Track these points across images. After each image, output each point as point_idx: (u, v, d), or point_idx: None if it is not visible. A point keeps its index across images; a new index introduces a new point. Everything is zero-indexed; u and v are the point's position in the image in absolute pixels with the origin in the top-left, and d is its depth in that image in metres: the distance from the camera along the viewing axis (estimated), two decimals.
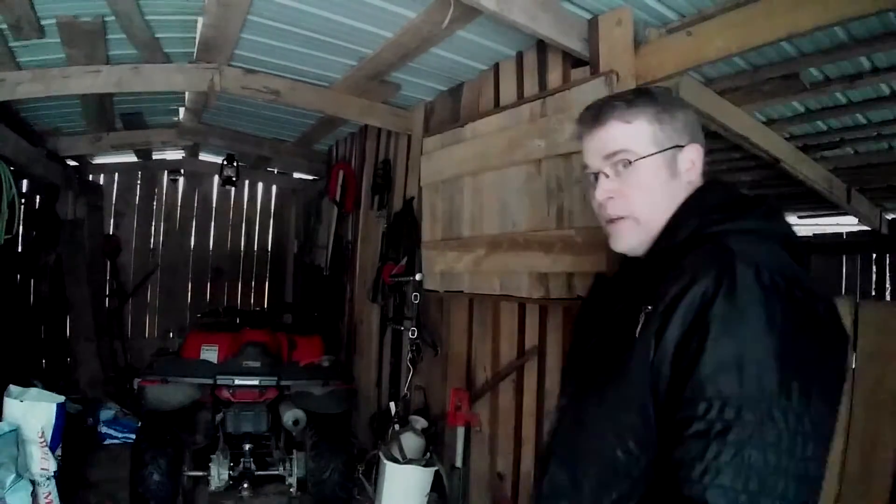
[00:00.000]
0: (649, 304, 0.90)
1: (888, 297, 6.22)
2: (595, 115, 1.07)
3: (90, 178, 5.86)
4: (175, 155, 6.39)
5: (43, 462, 2.72)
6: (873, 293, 6.31)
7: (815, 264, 6.88)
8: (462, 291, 3.12)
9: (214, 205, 6.85)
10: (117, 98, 3.98)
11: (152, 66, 3.17)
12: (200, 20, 2.65)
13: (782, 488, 0.77)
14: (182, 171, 6.52)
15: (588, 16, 2.41)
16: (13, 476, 2.48)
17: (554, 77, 2.67)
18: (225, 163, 5.77)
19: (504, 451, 2.86)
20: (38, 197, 5.11)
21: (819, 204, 5.29)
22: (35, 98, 3.29)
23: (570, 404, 1.05)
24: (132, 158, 6.09)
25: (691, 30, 2.18)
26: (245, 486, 3.27)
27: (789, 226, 1.00)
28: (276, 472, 3.44)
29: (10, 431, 2.56)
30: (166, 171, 6.54)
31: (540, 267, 2.53)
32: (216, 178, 6.52)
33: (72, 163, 5.25)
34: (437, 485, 3.10)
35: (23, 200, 3.87)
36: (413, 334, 3.42)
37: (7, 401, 2.78)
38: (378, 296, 4.01)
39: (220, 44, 2.87)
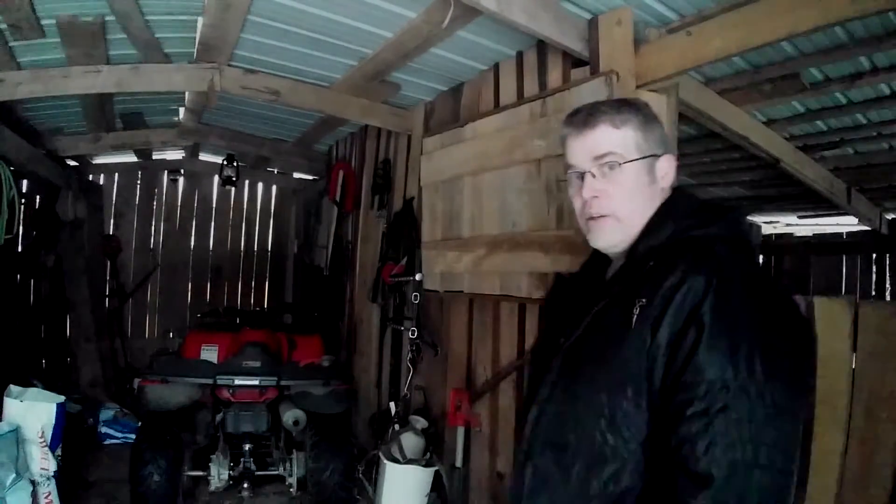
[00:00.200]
0: (643, 298, 1.00)
1: (888, 297, 6.21)
2: (586, 118, 1.16)
3: (90, 178, 5.86)
4: (175, 155, 6.38)
5: (43, 462, 2.72)
6: (873, 293, 6.31)
7: (815, 264, 6.89)
8: (462, 291, 3.12)
9: (214, 205, 6.85)
10: (117, 98, 3.98)
11: (152, 66, 3.17)
12: (200, 20, 2.65)
13: (772, 458, 0.89)
14: (182, 171, 6.52)
15: (588, 16, 2.41)
16: (13, 476, 2.48)
17: (554, 77, 2.67)
18: (225, 163, 5.77)
19: (504, 451, 2.86)
20: (38, 197, 5.11)
21: (819, 204, 5.30)
22: (35, 98, 3.29)
23: (552, 396, 1.11)
24: (132, 158, 6.09)
25: (691, 30, 2.18)
26: (245, 486, 3.27)
27: (749, 230, 1.16)
28: (276, 472, 3.44)
29: (10, 431, 2.56)
30: (166, 171, 6.54)
31: (540, 267, 2.53)
32: (216, 178, 6.52)
33: (72, 163, 5.25)
34: (437, 485, 3.10)
35: (23, 200, 3.87)
36: (413, 334, 3.42)
37: (7, 401, 2.78)
38: (378, 296, 4.01)
39: (220, 44, 2.87)
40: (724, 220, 1.08)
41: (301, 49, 3.02)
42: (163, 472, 2.96)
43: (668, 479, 0.93)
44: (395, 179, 4.06)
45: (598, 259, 1.26)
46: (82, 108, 4.05)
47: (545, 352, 1.21)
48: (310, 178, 6.63)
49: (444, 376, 3.36)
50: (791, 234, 7.31)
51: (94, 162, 5.86)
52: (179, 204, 6.68)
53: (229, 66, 3.22)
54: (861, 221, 5.74)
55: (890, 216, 5.92)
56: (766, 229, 7.40)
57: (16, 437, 2.59)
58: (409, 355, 3.51)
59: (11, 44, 2.80)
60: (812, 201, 5.28)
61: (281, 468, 3.43)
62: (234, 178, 5.87)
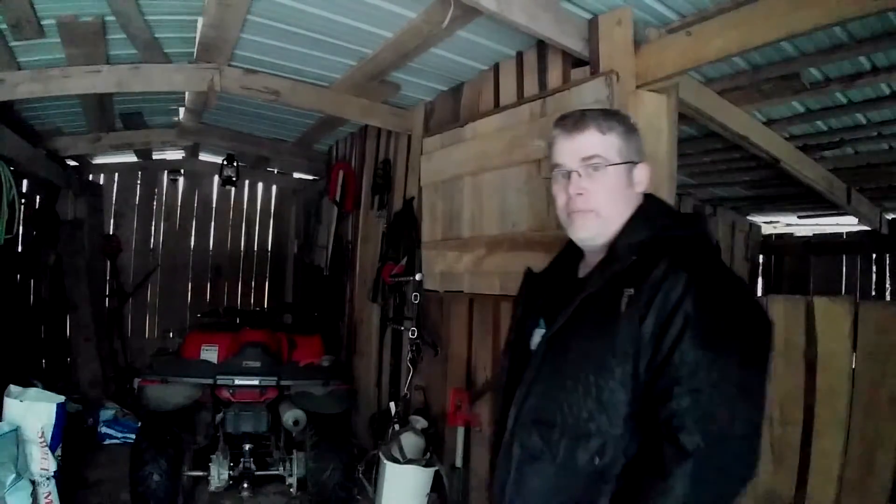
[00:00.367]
0: (630, 288, 1.12)
1: (888, 297, 6.21)
2: (576, 122, 1.27)
3: (90, 178, 5.86)
4: (175, 155, 6.38)
5: (43, 462, 2.72)
6: (873, 293, 6.31)
7: (815, 264, 6.89)
8: (462, 291, 3.12)
9: (214, 205, 6.85)
10: (117, 98, 3.98)
11: (152, 66, 3.17)
12: (200, 20, 2.65)
13: (746, 429, 1.05)
14: (182, 171, 6.52)
15: (588, 16, 2.41)
16: (13, 476, 2.48)
17: (554, 77, 2.67)
18: (225, 163, 5.77)
19: None
20: (38, 197, 5.10)
21: (819, 204, 5.30)
22: (35, 98, 3.30)
23: (538, 377, 1.21)
24: (132, 158, 6.09)
25: (691, 30, 2.18)
26: (245, 486, 3.27)
27: (712, 232, 1.35)
28: (276, 472, 3.44)
29: (10, 431, 2.56)
30: (166, 171, 6.54)
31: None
32: (216, 178, 6.52)
33: (72, 163, 5.25)
34: (437, 485, 3.10)
35: (23, 200, 3.87)
36: (413, 334, 3.42)
37: (7, 401, 2.78)
38: (378, 296, 4.01)
39: (220, 44, 2.87)
40: (695, 223, 1.29)
41: (301, 49, 3.02)
42: (163, 472, 2.96)
43: (653, 451, 1.05)
44: (395, 179, 4.06)
45: (567, 257, 1.41)
46: (82, 108, 4.05)
47: (520, 342, 1.34)
48: (310, 178, 6.63)
49: (444, 376, 3.36)
50: (791, 234, 7.30)
51: (94, 162, 5.86)
52: (179, 204, 6.68)
53: (229, 66, 3.22)
54: (861, 221, 5.74)
55: (890, 216, 5.92)
56: (766, 229, 7.40)
57: (16, 437, 2.59)
58: (409, 355, 3.51)
59: (11, 44, 2.80)
60: (812, 201, 5.28)
61: (281, 468, 3.43)
62: (234, 178, 5.88)
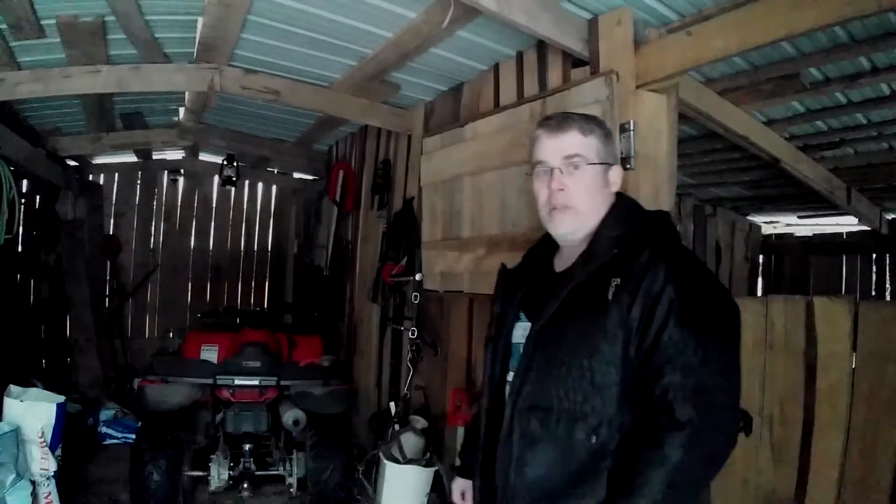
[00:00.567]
0: (617, 278, 1.22)
1: (888, 297, 6.21)
2: (559, 122, 1.37)
3: (90, 178, 5.86)
4: (175, 155, 6.38)
5: (43, 462, 2.72)
6: (873, 293, 6.31)
7: (814, 264, 6.89)
8: (462, 291, 3.12)
9: (214, 205, 6.84)
10: (117, 98, 3.98)
11: (152, 66, 3.17)
12: (200, 20, 2.65)
13: (730, 400, 1.18)
14: (182, 171, 6.52)
15: (588, 16, 2.41)
16: (13, 476, 2.48)
17: (554, 77, 2.67)
18: (225, 163, 5.77)
19: None
20: (38, 197, 5.11)
21: (819, 204, 5.30)
22: (35, 98, 3.30)
23: (531, 366, 1.29)
24: (132, 158, 6.09)
25: (691, 30, 2.18)
26: (245, 486, 3.27)
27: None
28: (276, 472, 3.44)
29: (10, 431, 2.56)
30: (166, 171, 6.53)
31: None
32: (216, 178, 6.51)
33: (72, 163, 5.25)
34: (437, 485, 3.10)
35: (23, 200, 3.87)
36: (413, 334, 3.42)
37: (7, 401, 2.78)
38: (378, 296, 4.01)
39: (220, 44, 2.87)
40: (664, 218, 1.40)
41: (301, 49, 3.02)
42: (163, 472, 2.96)
43: (646, 425, 1.15)
44: (395, 179, 4.06)
45: (540, 253, 1.51)
46: (82, 108, 4.05)
47: (501, 336, 1.44)
48: (310, 178, 6.62)
49: (444, 376, 3.36)
50: (791, 234, 7.31)
51: (94, 162, 5.86)
52: (179, 204, 6.67)
53: (229, 66, 3.21)
54: (861, 221, 5.74)
55: (890, 216, 5.92)
56: (766, 229, 7.40)
57: (16, 437, 2.59)
58: (409, 355, 3.51)
59: (11, 44, 2.80)
60: (812, 201, 5.28)
61: (281, 468, 3.42)
62: (234, 178, 5.88)
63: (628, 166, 2.20)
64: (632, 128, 2.20)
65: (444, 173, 3.23)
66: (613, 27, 2.32)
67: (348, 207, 4.76)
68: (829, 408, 1.94)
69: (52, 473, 2.76)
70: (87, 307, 5.21)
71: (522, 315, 1.42)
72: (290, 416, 3.20)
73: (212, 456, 3.24)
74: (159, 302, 6.56)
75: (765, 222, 7.23)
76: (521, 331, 1.41)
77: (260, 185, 7.07)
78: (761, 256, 7.41)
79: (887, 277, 6.32)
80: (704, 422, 1.11)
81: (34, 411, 2.77)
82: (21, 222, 3.61)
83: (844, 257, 6.66)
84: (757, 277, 7.31)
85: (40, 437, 2.73)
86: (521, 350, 1.34)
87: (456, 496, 1.63)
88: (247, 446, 3.31)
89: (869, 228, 5.89)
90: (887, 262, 6.29)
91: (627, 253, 1.25)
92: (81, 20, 2.62)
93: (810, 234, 7.08)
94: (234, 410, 3.30)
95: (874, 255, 6.38)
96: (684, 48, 2.19)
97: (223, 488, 3.27)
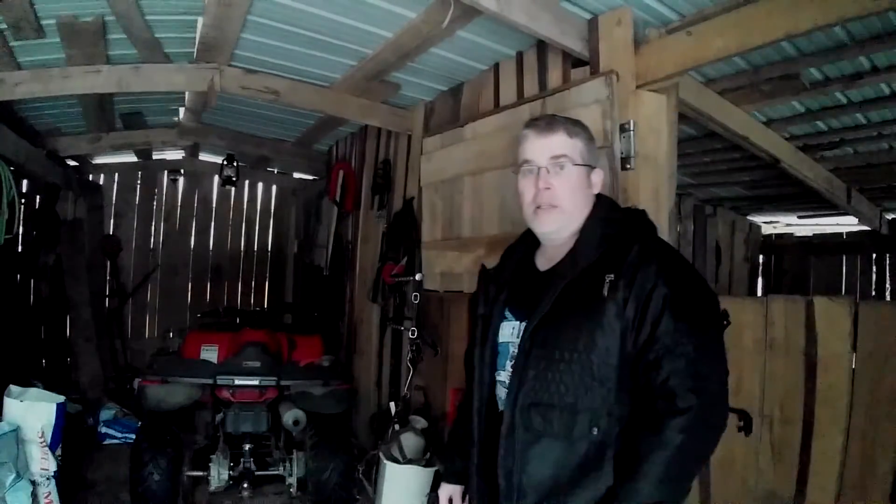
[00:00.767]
0: (610, 274, 1.26)
1: (888, 298, 6.21)
2: (547, 124, 1.43)
3: (90, 178, 5.87)
4: (175, 155, 6.38)
5: (43, 462, 2.72)
6: (873, 293, 6.31)
7: (815, 264, 6.90)
8: (462, 291, 3.12)
9: (214, 205, 6.84)
10: (117, 98, 3.98)
11: (152, 66, 3.17)
12: (200, 20, 2.65)
13: (722, 384, 1.25)
14: (182, 171, 6.52)
15: (588, 16, 2.41)
16: (13, 476, 2.48)
17: (554, 77, 2.67)
18: (225, 163, 5.77)
19: None
20: (38, 197, 5.11)
21: (819, 204, 5.30)
22: (35, 98, 3.29)
23: (528, 364, 1.31)
24: (132, 158, 6.09)
25: (691, 30, 2.18)
26: (245, 486, 3.27)
27: None
28: (276, 472, 3.44)
29: (10, 431, 2.57)
30: (166, 171, 6.53)
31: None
32: (216, 178, 6.52)
33: (72, 163, 5.25)
34: (436, 485, 3.10)
35: (23, 200, 3.87)
36: (413, 334, 3.42)
37: (7, 401, 2.78)
38: (378, 296, 4.01)
39: (220, 44, 2.87)
40: (644, 217, 1.44)
41: (301, 49, 3.02)
42: (163, 472, 2.96)
43: (647, 412, 1.21)
44: (395, 179, 4.06)
45: (520, 253, 1.54)
46: (82, 108, 4.05)
47: (487, 336, 1.45)
48: (310, 178, 6.63)
49: (444, 376, 3.36)
50: (791, 234, 7.31)
51: (93, 162, 5.86)
52: (179, 204, 6.67)
53: (229, 66, 3.22)
54: (861, 221, 5.74)
55: (890, 216, 5.92)
56: (766, 229, 7.41)
57: (16, 437, 2.59)
58: (409, 355, 3.51)
59: (11, 44, 2.80)
60: (812, 201, 5.28)
61: (281, 468, 3.42)
62: (234, 178, 5.87)
63: (628, 166, 2.21)
64: (632, 128, 2.20)
65: (444, 173, 3.23)
66: (613, 27, 2.32)
67: (348, 207, 4.76)
68: (829, 408, 1.93)
69: (52, 473, 2.76)
70: (87, 307, 5.21)
71: (509, 314, 1.44)
72: (290, 416, 3.20)
73: (212, 456, 3.24)
74: (159, 302, 6.56)
75: (765, 222, 7.23)
76: (509, 330, 1.42)
77: (260, 185, 7.07)
78: (761, 256, 7.41)
79: (887, 277, 6.32)
80: (702, 406, 1.17)
81: (34, 411, 2.77)
82: (21, 222, 3.61)
83: (844, 257, 6.67)
84: (757, 277, 7.31)
85: (40, 437, 2.73)
86: (516, 349, 1.36)
87: (443, 502, 1.61)
88: (247, 446, 3.31)
89: (869, 228, 5.89)
90: (887, 262, 6.30)
91: (616, 250, 1.30)
92: (81, 20, 2.62)
93: (810, 234, 7.08)
94: (234, 410, 3.30)
95: (874, 255, 6.38)
96: (684, 48, 2.19)
97: (223, 488, 3.27)
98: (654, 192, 2.25)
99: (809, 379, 1.99)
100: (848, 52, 2.47)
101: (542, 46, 2.71)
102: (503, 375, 1.41)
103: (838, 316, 1.94)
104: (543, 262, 1.46)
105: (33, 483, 2.63)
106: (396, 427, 3.30)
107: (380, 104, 3.71)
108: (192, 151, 6.19)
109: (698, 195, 5.96)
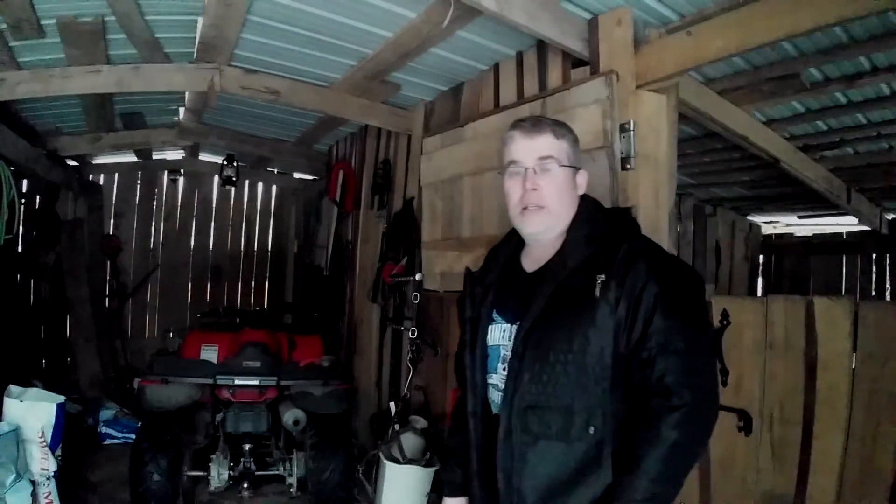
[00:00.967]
0: (601, 274, 1.28)
1: (888, 297, 6.21)
2: (534, 125, 1.42)
3: (90, 178, 5.86)
4: (175, 155, 6.38)
5: (43, 462, 2.72)
6: (873, 293, 6.31)
7: (815, 264, 6.89)
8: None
9: (214, 205, 6.84)
10: (117, 98, 3.98)
11: (152, 66, 3.17)
12: (200, 20, 2.65)
13: (713, 380, 1.32)
14: (182, 171, 6.51)
15: (588, 16, 2.41)
16: (13, 476, 2.48)
17: (554, 77, 2.67)
18: (225, 163, 5.77)
19: None
20: (38, 197, 5.11)
21: (819, 204, 5.30)
22: (35, 98, 3.29)
23: (522, 366, 1.31)
24: (132, 158, 6.09)
25: (691, 30, 2.18)
26: (245, 486, 3.27)
27: None
28: (276, 472, 3.44)
29: (10, 431, 2.57)
30: (166, 171, 6.53)
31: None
32: (216, 178, 6.51)
33: (72, 163, 5.25)
34: (437, 485, 3.10)
35: (23, 200, 3.87)
36: (413, 334, 3.42)
37: (7, 401, 2.78)
38: (378, 296, 4.01)
39: (220, 44, 2.87)
40: (630, 216, 1.49)
41: (301, 49, 3.02)
42: (163, 472, 2.96)
43: (643, 408, 1.22)
44: (395, 179, 4.06)
45: (505, 255, 1.52)
46: (82, 108, 4.05)
47: (475, 339, 1.44)
48: (310, 178, 6.63)
49: (444, 376, 3.36)
50: (791, 234, 7.31)
51: (93, 162, 5.86)
52: (179, 204, 6.67)
53: (229, 66, 3.21)
54: (861, 221, 5.74)
55: (890, 216, 5.91)
56: (766, 229, 7.40)
57: (16, 437, 2.59)
58: (409, 355, 3.51)
59: (11, 44, 2.80)
60: (812, 201, 5.28)
61: (281, 468, 3.43)
62: (234, 178, 5.88)
63: (628, 166, 2.21)
64: (632, 128, 2.20)
65: (444, 173, 3.23)
66: (613, 27, 2.32)
67: (348, 207, 4.76)
68: (829, 408, 1.93)
69: (52, 473, 2.76)
70: (87, 307, 5.22)
71: (497, 317, 1.44)
72: (289, 416, 3.20)
73: (212, 456, 3.24)
74: (159, 302, 6.56)
75: (765, 222, 7.23)
76: (498, 333, 1.42)
77: (260, 185, 7.07)
78: (761, 256, 7.41)
79: (887, 277, 6.32)
80: (696, 401, 1.19)
81: (34, 411, 2.77)
82: (21, 222, 3.62)
83: (844, 257, 6.66)
84: (757, 277, 7.31)
85: (40, 437, 2.73)
86: (508, 352, 1.35)
87: None
88: (247, 446, 3.32)
89: (869, 228, 5.89)
90: (887, 262, 6.29)
91: (604, 249, 1.32)
92: (81, 20, 2.62)
93: (810, 234, 7.08)
94: (234, 410, 3.30)
95: (874, 255, 6.38)
96: (684, 48, 2.19)
97: (223, 488, 3.27)
98: (654, 192, 2.25)
99: (809, 379, 1.99)
100: (848, 53, 2.47)
101: (542, 46, 2.71)
102: (495, 378, 1.41)
103: (838, 316, 1.94)
104: (530, 263, 1.45)
105: (33, 483, 2.63)
106: (396, 427, 3.30)
107: (380, 104, 3.70)
108: (192, 151, 6.18)
109: (698, 195, 5.96)
